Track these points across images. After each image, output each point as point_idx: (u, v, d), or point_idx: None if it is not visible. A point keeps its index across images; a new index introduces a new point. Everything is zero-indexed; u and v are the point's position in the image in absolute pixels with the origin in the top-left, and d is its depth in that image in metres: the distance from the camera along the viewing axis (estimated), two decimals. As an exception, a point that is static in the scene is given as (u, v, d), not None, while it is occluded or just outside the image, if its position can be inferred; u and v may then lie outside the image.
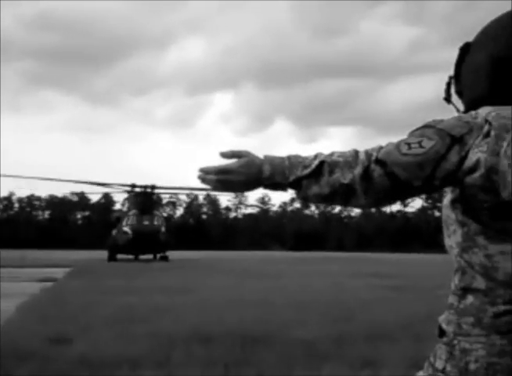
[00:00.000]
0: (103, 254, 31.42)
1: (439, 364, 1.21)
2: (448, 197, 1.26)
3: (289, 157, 1.23)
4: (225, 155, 1.26)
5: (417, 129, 1.21)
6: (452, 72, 1.34)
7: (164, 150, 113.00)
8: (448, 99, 1.34)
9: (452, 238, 1.25)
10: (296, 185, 1.21)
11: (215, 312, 7.20)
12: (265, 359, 4.52)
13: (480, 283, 1.18)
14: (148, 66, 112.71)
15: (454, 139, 1.16)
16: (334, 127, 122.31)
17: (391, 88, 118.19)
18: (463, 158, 1.15)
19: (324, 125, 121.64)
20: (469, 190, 1.18)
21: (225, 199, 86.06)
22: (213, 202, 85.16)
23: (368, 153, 1.19)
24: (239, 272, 17.42)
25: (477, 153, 1.14)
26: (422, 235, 71.23)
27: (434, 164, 1.14)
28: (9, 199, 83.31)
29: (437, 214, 78.65)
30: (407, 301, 8.72)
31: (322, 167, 1.19)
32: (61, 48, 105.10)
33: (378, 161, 1.16)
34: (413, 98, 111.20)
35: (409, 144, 1.17)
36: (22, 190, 76.13)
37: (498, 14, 1.31)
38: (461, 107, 1.34)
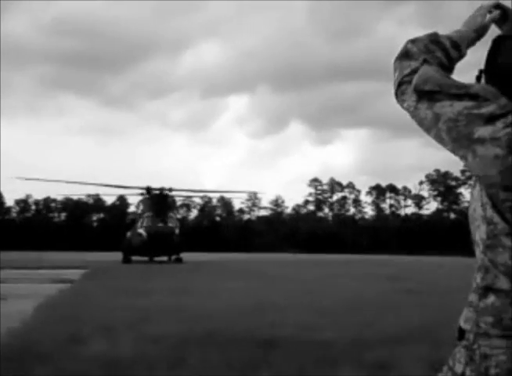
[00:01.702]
0: (118, 255, 31.65)
1: (458, 368, 1.20)
2: (477, 188, 1.22)
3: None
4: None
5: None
6: (479, 67, 1.31)
7: (180, 153, 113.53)
8: None
9: (477, 234, 1.23)
10: None
11: (230, 315, 7.20)
12: (280, 363, 4.51)
13: (503, 283, 1.16)
14: (164, 69, 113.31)
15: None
16: (349, 129, 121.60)
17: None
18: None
19: (339, 127, 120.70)
20: (489, 189, 1.15)
21: (238, 201, 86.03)
22: (227, 204, 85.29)
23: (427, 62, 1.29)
24: (253, 274, 17.42)
25: (496, 148, 1.11)
26: (437, 237, 70.46)
27: (453, 90, 1.20)
28: (25, 201, 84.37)
29: (452, 216, 77.70)
30: (423, 304, 8.63)
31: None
32: (78, 53, 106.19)
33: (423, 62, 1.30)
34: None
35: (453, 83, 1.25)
36: (38, 193, 77.16)
37: None
38: None
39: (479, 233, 1.21)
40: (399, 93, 1.29)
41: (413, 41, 1.32)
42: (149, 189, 33.41)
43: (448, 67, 1.31)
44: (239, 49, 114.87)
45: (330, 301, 9.15)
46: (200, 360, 4.58)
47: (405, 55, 1.31)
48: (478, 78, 1.30)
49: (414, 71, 1.26)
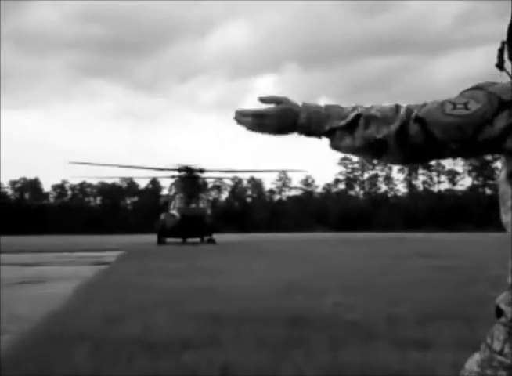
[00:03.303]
0: (153, 238, 32.29)
1: (497, 346, 1.18)
2: (504, 171, 1.20)
3: (327, 107, 1.23)
4: (264, 100, 1.27)
5: (467, 90, 1.16)
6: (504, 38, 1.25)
7: (210, 135, 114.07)
8: (500, 65, 1.25)
9: (510, 214, 1.20)
10: (330, 134, 1.22)
11: (264, 294, 7.28)
12: (313, 340, 4.55)
13: None
14: (191, 51, 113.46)
15: (504, 103, 1.09)
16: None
17: (439, 63, 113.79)
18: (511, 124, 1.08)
19: (368, 104, 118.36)
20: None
21: (268, 181, 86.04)
22: (257, 185, 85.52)
23: (408, 110, 1.15)
24: (286, 254, 17.51)
25: None
26: (472, 214, 68.94)
27: (476, 127, 1.09)
28: (62, 187, 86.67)
29: (488, 192, 75.75)
30: (457, 281, 8.52)
31: (359, 120, 1.18)
32: (106, 39, 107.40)
33: (418, 119, 1.12)
34: (463, 73, 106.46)
35: (454, 104, 1.12)
36: (74, 178, 79.49)
37: None
38: None
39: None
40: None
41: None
42: (183, 170, 33.78)
43: None
44: (265, 29, 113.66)
45: (360, 279, 9.13)
46: (234, 337, 4.68)
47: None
48: (501, 51, 1.24)
49: (423, 132, 1.12)
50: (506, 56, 1.26)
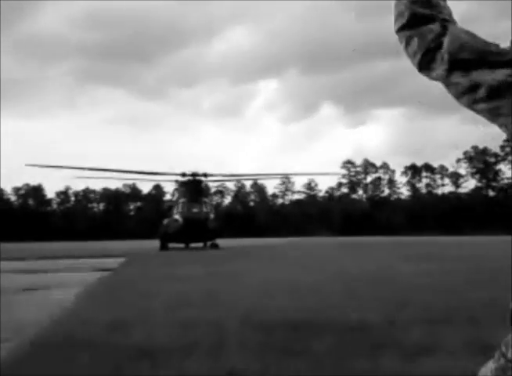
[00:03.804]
0: (155, 243, 32.24)
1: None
2: None
3: None
4: None
5: None
6: None
7: (212, 140, 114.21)
8: None
9: None
10: None
11: (268, 300, 7.22)
12: (318, 347, 4.49)
13: None
14: (194, 57, 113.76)
15: None
16: (382, 109, 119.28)
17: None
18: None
19: (372, 108, 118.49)
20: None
21: (271, 186, 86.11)
22: (260, 190, 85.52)
23: (449, 22, 1.19)
24: (289, 258, 17.43)
25: None
26: (477, 216, 68.64)
27: (477, 58, 1.10)
28: (65, 193, 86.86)
29: (491, 193, 75.44)
30: (462, 284, 8.43)
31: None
32: (109, 44, 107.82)
33: (444, 26, 1.17)
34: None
35: (484, 42, 1.13)
36: (77, 184, 79.54)
37: None
38: None
39: None
40: (424, 62, 1.20)
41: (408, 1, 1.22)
42: (184, 175, 33.83)
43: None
44: (267, 33, 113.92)
45: (365, 282, 9.05)
46: (236, 343, 4.62)
47: (416, 20, 1.19)
48: None
49: (440, 35, 1.16)
50: None
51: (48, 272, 14.84)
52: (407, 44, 1.21)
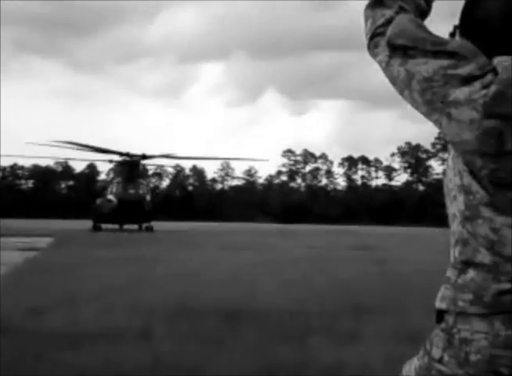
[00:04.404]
0: (87, 223, 31.23)
1: (436, 353, 1.11)
2: (450, 156, 1.13)
3: None
4: None
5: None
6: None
7: (151, 121, 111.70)
8: None
9: (454, 205, 1.13)
10: None
11: (200, 286, 7.13)
12: (248, 334, 4.46)
13: (484, 257, 1.06)
14: (136, 34, 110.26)
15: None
16: (326, 100, 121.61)
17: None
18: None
19: (315, 98, 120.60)
20: (465, 156, 1.06)
21: (211, 170, 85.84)
22: (199, 173, 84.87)
23: (405, 11, 1.17)
24: (224, 244, 17.42)
25: (470, 111, 1.02)
26: (407, 209, 72.06)
27: (409, 44, 1.09)
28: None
29: (421, 188, 79.37)
30: (392, 274, 8.75)
31: None
32: (47, 15, 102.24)
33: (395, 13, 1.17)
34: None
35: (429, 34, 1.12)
36: (4, 159, 74.98)
37: None
38: None
39: (456, 204, 1.11)
40: (372, 46, 1.17)
41: None
42: (127, 155, 32.77)
43: (426, 11, 1.21)
44: (213, 15, 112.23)
45: (297, 270, 9.19)
46: (168, 331, 4.50)
47: (378, 2, 1.18)
48: (452, 35, 1.17)
49: (389, 21, 1.15)
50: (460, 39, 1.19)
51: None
52: (365, 25, 1.21)
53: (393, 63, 1.11)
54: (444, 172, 1.18)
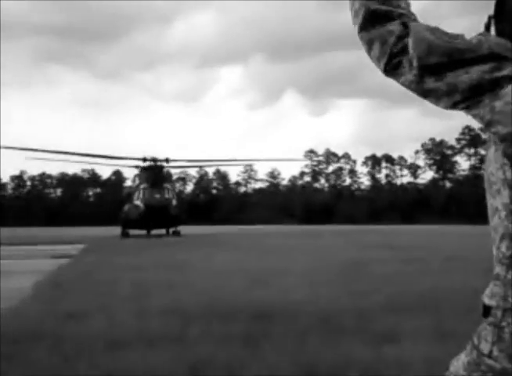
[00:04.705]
0: (116, 230, 31.64)
1: (484, 347, 1.09)
2: (492, 150, 1.10)
3: None
4: None
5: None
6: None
7: (174, 125, 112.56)
8: None
9: (498, 199, 1.10)
10: None
11: (230, 289, 7.16)
12: (282, 334, 4.47)
13: None
14: (156, 39, 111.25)
15: (493, 55, 1.02)
16: (345, 99, 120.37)
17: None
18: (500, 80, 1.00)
19: (335, 98, 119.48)
20: (508, 148, 1.04)
21: (234, 173, 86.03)
22: (223, 177, 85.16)
23: (408, 17, 1.10)
24: (252, 246, 17.44)
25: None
26: (433, 207, 70.83)
27: (447, 59, 1.03)
28: (20, 177, 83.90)
29: (448, 185, 77.92)
30: (422, 273, 8.63)
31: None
32: (68, 25, 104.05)
33: (404, 24, 1.08)
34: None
35: (446, 33, 1.06)
36: (33, 168, 76.64)
37: None
38: None
39: (500, 198, 1.08)
40: (391, 68, 1.10)
41: None
42: (145, 160, 33.16)
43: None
44: (232, 18, 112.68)
45: (327, 271, 9.14)
46: (202, 333, 4.54)
47: (373, 20, 1.10)
48: (487, 26, 1.14)
49: (401, 37, 1.07)
50: (492, 31, 1.17)
51: (4, 259, 14.29)
52: (369, 48, 1.12)
53: (427, 80, 1.07)
54: (483, 166, 1.15)
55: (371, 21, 1.10)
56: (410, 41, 1.05)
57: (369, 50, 1.12)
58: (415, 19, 1.10)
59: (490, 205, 1.12)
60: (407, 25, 1.07)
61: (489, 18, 1.15)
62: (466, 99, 1.04)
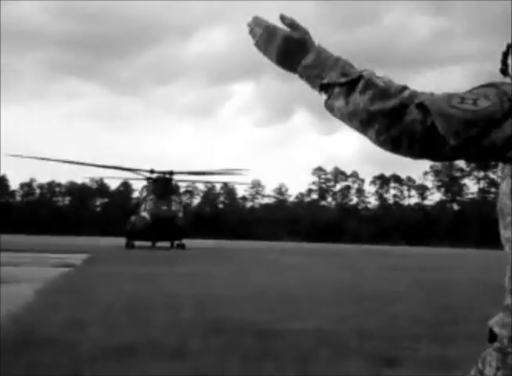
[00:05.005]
0: (121, 241, 31.67)
1: (489, 372, 1.10)
2: (507, 181, 1.11)
3: (338, 58, 1.11)
4: (284, 19, 1.16)
5: (479, 87, 1.05)
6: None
7: (185, 140, 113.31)
8: (504, 70, 1.17)
9: (509, 230, 1.12)
10: (328, 89, 1.09)
11: (232, 303, 7.14)
12: (282, 353, 4.44)
13: None
14: (170, 55, 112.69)
15: None
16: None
17: (415, 79, 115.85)
18: None
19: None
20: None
21: (241, 188, 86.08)
22: (230, 191, 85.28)
23: (414, 94, 1.03)
24: (255, 262, 17.38)
25: None
26: (440, 228, 70.32)
27: (481, 127, 0.98)
28: (29, 185, 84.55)
29: (455, 207, 77.45)
30: (429, 295, 8.55)
31: (358, 82, 1.05)
32: (84, 37, 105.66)
33: (421, 105, 1.00)
34: (438, 89, 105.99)
35: (462, 98, 1.01)
36: (42, 176, 77.31)
37: None
38: None
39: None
40: (426, 154, 1.03)
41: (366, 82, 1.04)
42: (152, 171, 33.39)
43: None
44: (245, 36, 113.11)
45: (329, 290, 9.08)
46: (202, 347, 4.52)
47: (387, 121, 1.01)
48: (505, 55, 1.16)
49: (424, 121, 0.99)
50: (510, 60, 1.18)
51: (6, 266, 14.35)
52: (396, 146, 1.03)
53: (468, 150, 1.03)
54: (496, 195, 1.15)
55: (389, 123, 1.01)
56: (436, 122, 0.98)
57: (397, 148, 1.03)
58: (416, 92, 1.04)
59: (502, 236, 1.14)
60: (423, 105, 1.00)
61: (508, 47, 1.16)
62: (505, 150, 1.02)
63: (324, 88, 1.10)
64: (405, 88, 1.05)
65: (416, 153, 1.03)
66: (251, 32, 1.18)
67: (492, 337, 1.13)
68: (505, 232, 1.14)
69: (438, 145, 1.00)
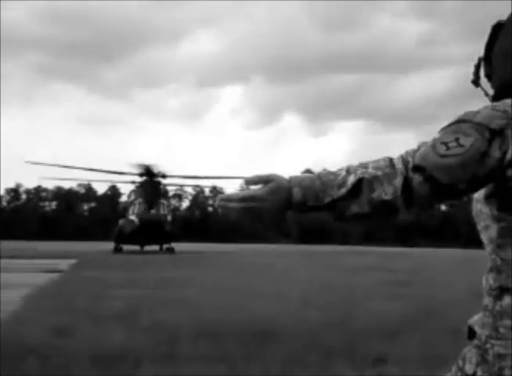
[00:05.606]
0: (109, 245, 31.44)
1: (469, 368, 1.14)
2: (482, 190, 1.16)
3: (319, 176, 1.10)
4: (250, 181, 1.11)
5: (450, 125, 1.09)
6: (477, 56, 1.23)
7: (173, 144, 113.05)
8: (476, 82, 1.23)
9: (485, 234, 1.17)
10: (330, 206, 1.08)
11: (222, 307, 7.13)
12: (271, 355, 4.45)
13: None
14: (159, 58, 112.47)
15: (494, 132, 1.04)
16: (344, 121, 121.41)
17: (402, 82, 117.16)
18: (505, 152, 1.05)
19: (334, 119, 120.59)
20: (509, 184, 1.09)
21: (230, 191, 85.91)
22: (219, 194, 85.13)
23: (404, 160, 1.07)
24: (245, 265, 17.39)
25: None
26: (428, 230, 70.99)
27: (477, 162, 1.04)
28: (16, 190, 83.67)
29: (443, 208, 78.28)
30: (415, 295, 8.61)
31: (362, 184, 1.06)
32: (72, 41, 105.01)
33: (416, 168, 1.05)
34: (424, 92, 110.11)
35: (445, 143, 1.05)
36: (29, 181, 76.51)
37: (510, 9, 1.21)
38: (490, 91, 1.23)
39: (489, 232, 1.15)
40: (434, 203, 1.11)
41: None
42: (142, 174, 33.05)
43: None
44: (234, 39, 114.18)
45: (319, 292, 9.11)
46: (191, 352, 4.51)
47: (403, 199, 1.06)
48: (477, 67, 1.22)
49: (427, 181, 1.04)
50: (481, 72, 1.23)
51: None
52: (424, 209, 1.12)
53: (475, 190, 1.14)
54: (472, 202, 1.21)
55: (407, 197, 1.06)
56: (438, 177, 1.04)
57: (425, 209, 1.13)
58: (406, 152, 1.09)
59: (483, 238, 1.19)
60: (419, 167, 1.05)
61: (479, 60, 1.22)
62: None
63: (327, 207, 1.08)
64: (391, 160, 1.08)
65: (435, 203, 1.11)
66: (226, 211, 1.10)
67: (472, 334, 1.17)
68: (482, 235, 1.19)
69: (448, 192, 1.06)
